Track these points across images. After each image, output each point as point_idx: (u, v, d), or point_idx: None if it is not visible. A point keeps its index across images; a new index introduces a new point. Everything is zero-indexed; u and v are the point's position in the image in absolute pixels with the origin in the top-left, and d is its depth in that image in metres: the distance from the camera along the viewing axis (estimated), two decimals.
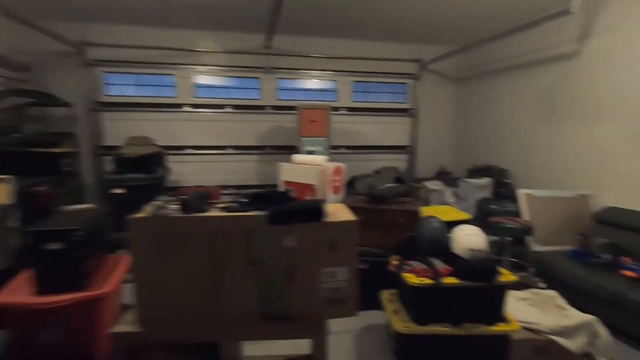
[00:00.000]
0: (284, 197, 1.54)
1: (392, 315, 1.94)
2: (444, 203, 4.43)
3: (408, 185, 4.20)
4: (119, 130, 4.31)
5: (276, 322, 1.43)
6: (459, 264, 1.85)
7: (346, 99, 5.04)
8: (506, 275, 1.84)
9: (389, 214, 2.45)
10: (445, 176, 4.96)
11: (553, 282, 2.72)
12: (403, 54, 5.09)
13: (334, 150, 4.75)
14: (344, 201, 2.68)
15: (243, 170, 4.87)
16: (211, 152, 4.74)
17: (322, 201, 1.50)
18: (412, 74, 5.19)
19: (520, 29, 3.53)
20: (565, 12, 2.97)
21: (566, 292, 2.63)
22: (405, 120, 5.31)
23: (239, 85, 4.82)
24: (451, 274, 1.85)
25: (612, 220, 2.89)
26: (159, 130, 4.41)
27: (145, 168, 3.69)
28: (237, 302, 1.40)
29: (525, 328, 2.06)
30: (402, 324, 1.83)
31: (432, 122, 5.41)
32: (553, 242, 3.04)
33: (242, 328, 1.44)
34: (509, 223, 2.68)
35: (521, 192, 3.15)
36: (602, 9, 3.16)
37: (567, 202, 3.18)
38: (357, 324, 2.36)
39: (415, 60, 5.11)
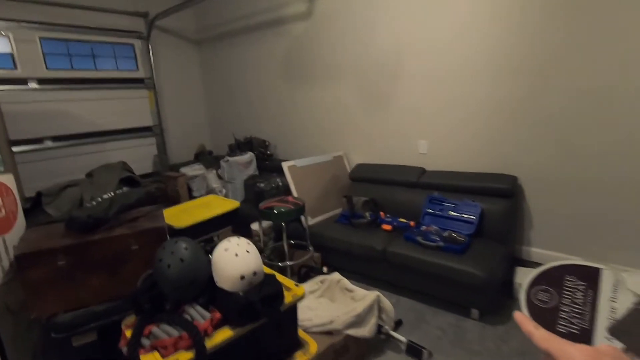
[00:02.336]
0: None
1: None
2: (210, 190, 3.76)
3: (151, 183, 3.23)
4: None
5: None
6: (228, 303, 1.21)
7: (34, 66, 3.31)
8: (294, 290, 1.36)
9: (113, 244, 1.50)
10: (206, 157, 4.26)
11: (329, 251, 2.61)
12: (119, 3, 3.78)
13: (15, 147, 3.10)
14: (24, 241, 1.51)
15: None
16: None
17: None
18: (137, 32, 3.99)
19: None
20: None
21: (340, 259, 2.59)
22: (143, 94, 4.13)
23: None
24: (222, 321, 1.19)
25: (363, 176, 3.04)
26: None
27: None
28: None
29: (321, 332, 1.73)
30: None
31: (179, 93, 4.48)
32: (323, 211, 2.95)
33: None
34: (281, 207, 2.28)
35: (284, 165, 2.85)
36: None
37: (327, 166, 3.15)
38: None
39: (139, 14, 3.92)
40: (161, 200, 3.59)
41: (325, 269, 2.48)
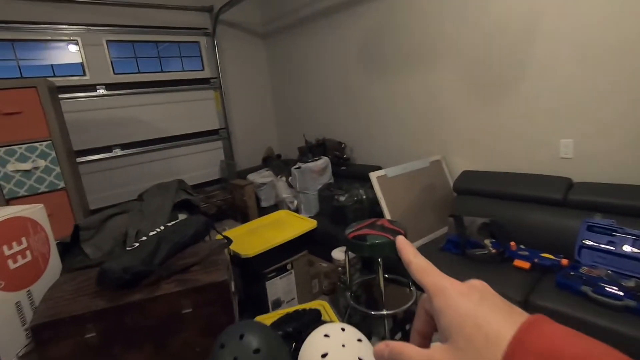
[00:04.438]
0: None
1: None
2: (279, 200, 3.32)
3: (216, 194, 2.87)
4: None
5: None
6: None
7: (102, 71, 3.15)
8: None
9: (159, 307, 1.06)
10: (274, 162, 3.85)
11: None
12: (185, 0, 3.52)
13: (83, 157, 2.94)
14: (46, 301, 1.14)
15: None
16: None
17: None
18: (203, 29, 3.70)
19: None
20: None
21: None
22: (209, 95, 3.84)
23: None
24: None
25: (473, 188, 2.33)
26: None
27: None
28: None
29: None
30: None
31: (245, 93, 4.13)
32: (421, 233, 2.31)
33: None
34: (376, 236, 1.69)
35: (373, 176, 2.26)
36: None
37: (423, 175, 2.49)
38: None
39: (204, 9, 3.63)
40: (228, 212, 3.25)
41: None
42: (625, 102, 1.80)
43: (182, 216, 1.49)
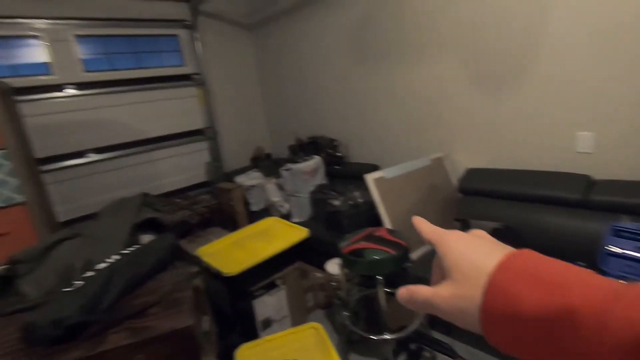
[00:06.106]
0: None
1: None
2: (269, 204, 3.10)
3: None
4: None
5: None
6: None
7: (71, 70, 2.87)
8: None
9: None
10: (264, 162, 3.61)
11: None
12: None
13: (50, 165, 2.69)
14: None
15: None
16: None
17: None
18: (182, 21, 3.42)
19: None
20: None
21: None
22: (192, 92, 3.58)
23: None
24: None
25: (479, 188, 2.11)
26: None
27: None
28: None
29: None
30: None
31: (231, 89, 3.87)
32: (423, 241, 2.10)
33: None
34: (374, 250, 1.47)
35: (369, 179, 2.04)
36: None
37: (423, 174, 2.28)
38: None
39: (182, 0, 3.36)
40: (215, 219, 3.02)
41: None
42: None
43: (146, 238, 1.25)
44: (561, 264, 0.25)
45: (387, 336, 1.53)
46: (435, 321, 1.82)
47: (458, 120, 2.34)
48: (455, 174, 2.38)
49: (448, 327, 1.83)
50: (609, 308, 0.21)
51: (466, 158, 2.35)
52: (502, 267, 0.25)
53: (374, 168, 2.68)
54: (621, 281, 0.23)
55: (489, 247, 0.28)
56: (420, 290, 0.31)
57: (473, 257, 0.28)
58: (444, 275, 0.30)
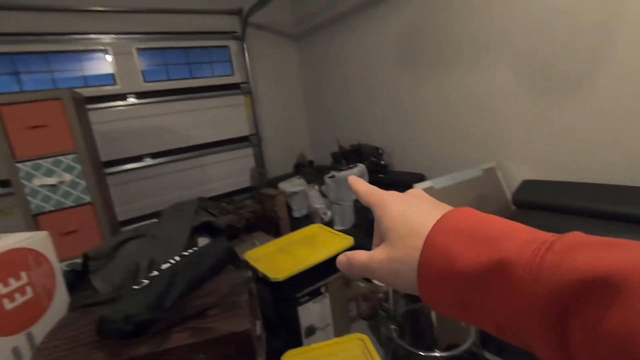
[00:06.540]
0: None
1: None
2: (312, 211, 3.12)
3: (246, 205, 2.69)
4: None
5: None
6: None
7: (133, 80, 3.11)
8: None
9: None
10: (307, 169, 3.65)
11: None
12: (212, 2, 3.42)
13: (113, 168, 2.88)
14: (48, 345, 0.98)
15: None
16: None
17: None
18: (232, 32, 3.58)
19: None
20: None
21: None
22: (239, 100, 3.73)
23: None
24: None
25: (537, 201, 1.98)
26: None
27: None
28: None
29: None
30: None
31: (276, 97, 3.98)
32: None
33: None
34: None
35: (418, 189, 1.99)
36: None
37: (474, 185, 2.18)
38: None
39: (233, 12, 3.51)
40: (259, 224, 3.10)
41: None
42: None
43: (203, 241, 1.31)
44: (499, 220, 0.24)
45: (437, 354, 1.46)
46: (487, 340, 1.72)
47: (512, 128, 2.23)
48: (509, 186, 2.26)
49: (501, 347, 1.72)
50: (540, 259, 0.20)
51: (521, 168, 2.22)
52: (439, 227, 0.25)
53: (420, 178, 2.61)
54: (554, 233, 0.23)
55: (427, 208, 0.28)
56: (357, 256, 0.31)
57: (410, 218, 0.27)
58: (383, 239, 0.29)
